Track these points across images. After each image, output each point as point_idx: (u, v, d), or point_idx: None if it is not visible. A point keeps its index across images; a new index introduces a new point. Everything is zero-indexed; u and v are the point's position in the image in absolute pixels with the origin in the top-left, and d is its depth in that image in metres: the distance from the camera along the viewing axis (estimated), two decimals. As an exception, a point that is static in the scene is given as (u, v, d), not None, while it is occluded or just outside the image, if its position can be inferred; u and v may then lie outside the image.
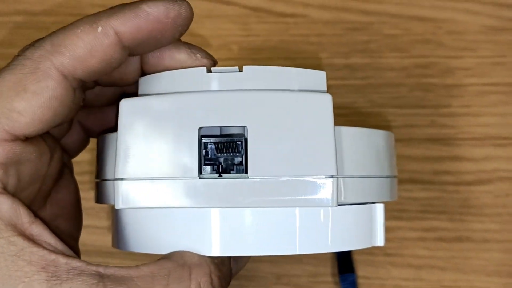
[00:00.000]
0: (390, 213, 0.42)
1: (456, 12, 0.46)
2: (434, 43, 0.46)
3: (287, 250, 0.23)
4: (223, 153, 0.22)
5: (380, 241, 0.26)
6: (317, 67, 0.46)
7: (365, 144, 0.24)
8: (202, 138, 0.22)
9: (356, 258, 0.41)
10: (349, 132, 0.23)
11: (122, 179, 0.22)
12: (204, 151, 0.22)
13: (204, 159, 0.22)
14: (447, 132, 0.44)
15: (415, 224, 0.42)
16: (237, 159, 0.22)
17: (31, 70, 0.19)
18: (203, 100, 0.22)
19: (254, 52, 0.46)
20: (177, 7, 0.22)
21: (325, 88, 0.24)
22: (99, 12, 0.21)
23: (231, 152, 0.22)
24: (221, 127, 0.22)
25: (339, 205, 0.22)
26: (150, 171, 0.22)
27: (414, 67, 0.45)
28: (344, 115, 0.44)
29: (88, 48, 0.20)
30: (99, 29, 0.20)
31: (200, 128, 0.22)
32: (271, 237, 0.22)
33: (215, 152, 0.22)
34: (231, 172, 0.22)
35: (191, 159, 0.22)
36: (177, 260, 0.22)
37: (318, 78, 0.24)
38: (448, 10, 0.46)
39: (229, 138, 0.22)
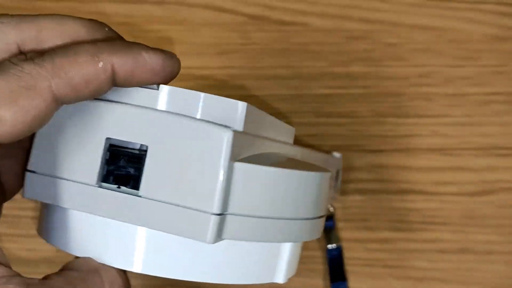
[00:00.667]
0: (391, 224, 0.41)
1: (457, 21, 0.46)
2: (435, 52, 0.45)
3: (172, 274, 0.23)
4: (125, 167, 0.22)
5: (280, 278, 0.25)
6: (318, 76, 0.45)
7: (265, 185, 0.22)
8: (110, 148, 0.22)
9: (355, 269, 0.40)
10: (247, 171, 0.22)
11: (32, 171, 0.23)
12: (106, 160, 0.22)
13: (106, 169, 0.22)
14: (448, 142, 0.43)
15: (416, 235, 0.41)
16: (135, 175, 0.22)
17: (27, 86, 0.19)
18: (114, 111, 0.22)
19: (253, 61, 0.45)
20: (172, 64, 0.23)
21: (238, 121, 0.22)
22: (99, 43, 0.21)
23: (132, 167, 0.22)
24: (129, 141, 0.22)
25: (224, 239, 0.22)
26: (58, 169, 0.23)
27: (415, 76, 0.45)
28: (344, 124, 0.43)
29: (86, 79, 0.20)
30: (100, 64, 0.20)
31: (108, 138, 0.22)
32: (158, 258, 0.22)
33: (119, 164, 0.22)
34: (128, 186, 0.22)
35: (93, 166, 0.22)
36: (82, 269, 0.22)
37: (231, 109, 0.22)
38: (449, 18, 0.46)
39: (131, 153, 0.22)
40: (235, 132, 0.21)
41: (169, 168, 0.21)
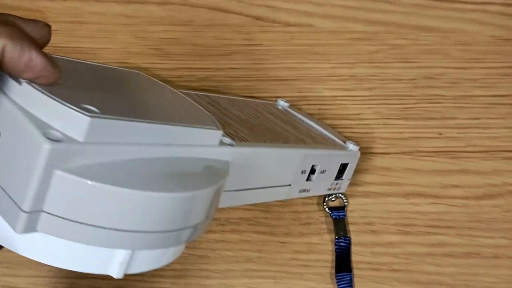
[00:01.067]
0: (397, 228, 0.41)
1: (464, 22, 0.45)
2: (442, 53, 0.45)
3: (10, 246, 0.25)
4: None
5: (114, 273, 0.25)
6: (322, 77, 0.44)
7: (80, 195, 0.23)
8: None
9: (360, 273, 0.39)
10: (65, 180, 0.22)
11: None
12: None
13: None
14: (455, 144, 0.42)
15: (423, 239, 0.40)
16: None
17: None
18: None
19: (257, 62, 0.45)
20: (53, 71, 0.23)
21: (79, 133, 0.22)
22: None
23: None
24: None
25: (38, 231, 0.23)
26: None
27: (421, 78, 0.44)
28: (350, 127, 0.43)
29: None
30: None
31: None
32: None
33: None
34: None
35: None
36: None
37: (74, 120, 0.22)
38: (456, 20, 0.45)
39: None
40: (63, 143, 0.22)
41: (3, 154, 0.22)
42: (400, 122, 0.43)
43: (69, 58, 0.28)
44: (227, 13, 0.46)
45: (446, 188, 0.41)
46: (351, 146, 0.39)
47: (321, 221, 0.41)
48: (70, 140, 0.22)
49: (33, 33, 0.24)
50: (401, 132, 0.43)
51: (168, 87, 0.32)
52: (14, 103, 0.23)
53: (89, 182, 0.22)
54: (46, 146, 0.21)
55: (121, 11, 0.46)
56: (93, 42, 0.45)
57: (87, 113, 0.22)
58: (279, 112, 0.40)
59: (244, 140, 0.31)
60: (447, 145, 0.42)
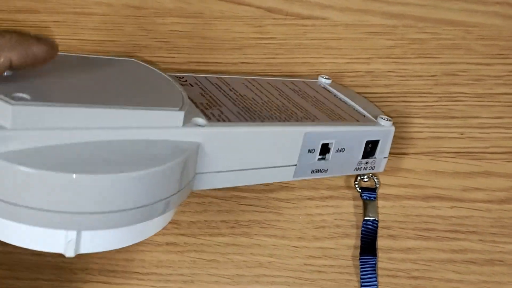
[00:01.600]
0: (416, 232, 0.39)
1: (487, 16, 0.43)
2: (464, 49, 0.42)
3: None
4: None
5: (66, 252, 0.26)
6: (337, 73, 0.42)
7: (8, 178, 0.24)
8: None
9: (378, 280, 0.38)
10: None
11: None
12: None
13: None
14: (477, 145, 0.40)
15: (444, 245, 0.38)
16: None
17: None
18: None
19: (269, 57, 0.43)
20: (53, 52, 0.27)
21: (7, 120, 0.24)
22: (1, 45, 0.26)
23: None
24: None
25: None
26: None
27: (442, 75, 0.42)
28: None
29: None
30: (1, 59, 0.26)
31: None
32: None
33: None
34: None
35: None
36: None
37: (3, 109, 0.24)
38: (479, 13, 0.43)
39: None
40: None
41: None
42: (419, 121, 0.41)
43: (63, 54, 0.30)
44: (238, 5, 0.44)
45: (468, 191, 0.39)
46: (382, 122, 0.37)
47: (336, 224, 0.39)
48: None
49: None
50: (421, 132, 0.41)
51: (158, 71, 0.32)
52: None
53: (16, 166, 0.24)
54: None
55: (128, 2, 0.44)
56: (98, 34, 0.43)
57: (11, 101, 0.24)
58: (311, 89, 0.39)
59: (226, 120, 0.31)
60: (469, 146, 0.40)
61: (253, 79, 0.38)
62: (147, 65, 0.33)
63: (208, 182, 0.31)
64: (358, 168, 0.36)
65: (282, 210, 0.39)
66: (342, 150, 0.35)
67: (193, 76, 0.36)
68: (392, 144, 0.41)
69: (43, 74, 0.27)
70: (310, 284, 0.37)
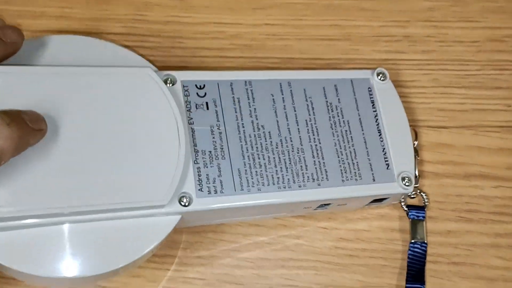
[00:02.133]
0: (457, 214, 0.35)
1: (537, -24, 0.39)
2: (510, 12, 0.39)
3: None
4: None
5: None
6: (371, 38, 0.38)
7: None
8: None
9: (415, 266, 0.34)
10: None
11: None
12: None
13: None
14: (524, 118, 0.37)
15: (487, 228, 0.35)
16: None
17: None
18: None
19: (295, 18, 0.39)
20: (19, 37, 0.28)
21: None
22: None
23: None
24: None
25: None
26: None
27: (486, 41, 0.38)
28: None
29: None
30: None
31: None
32: None
33: None
34: None
35: None
36: None
37: None
38: (528, -27, 0.39)
39: None
40: None
41: None
42: (460, 91, 0.37)
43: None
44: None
45: (514, 169, 0.36)
46: (402, 186, 0.33)
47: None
48: None
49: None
50: (462, 103, 0.37)
51: (169, 103, 0.30)
52: None
53: None
54: None
55: None
56: None
57: None
58: (350, 101, 0.34)
59: (219, 191, 0.30)
60: (516, 119, 0.37)
61: (288, 84, 0.33)
62: (159, 82, 0.30)
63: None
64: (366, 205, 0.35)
65: (310, 188, 0.35)
66: (343, 204, 0.33)
67: (217, 82, 0.32)
68: (430, 117, 0.37)
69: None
70: (341, 270, 0.34)
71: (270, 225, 0.35)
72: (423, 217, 0.34)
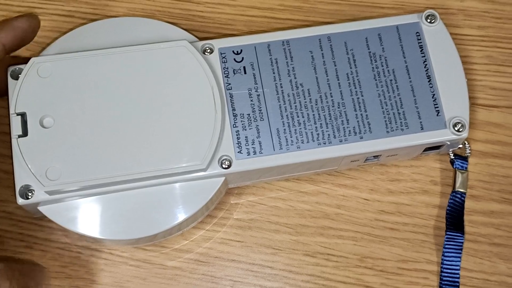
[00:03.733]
0: (502, 195, 0.34)
1: None
2: None
3: None
4: None
5: None
6: (419, 8, 0.37)
7: None
8: None
9: (455, 244, 0.34)
10: None
11: None
12: None
13: None
14: None
15: (532, 212, 0.34)
16: None
17: None
18: None
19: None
20: (36, 22, 0.32)
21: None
22: None
23: None
24: None
25: None
26: None
27: (545, 20, 0.37)
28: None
29: None
30: None
31: None
32: None
33: None
34: None
35: None
36: None
37: None
38: None
39: None
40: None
41: None
42: (514, 70, 0.36)
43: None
44: None
45: None
46: (453, 132, 0.32)
47: (413, 178, 0.35)
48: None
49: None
50: (516, 84, 0.36)
51: (206, 75, 0.31)
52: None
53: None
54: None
55: None
56: None
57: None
58: (396, 49, 0.33)
59: (258, 152, 0.31)
60: None
61: (328, 39, 0.33)
62: (194, 53, 0.31)
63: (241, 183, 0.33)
64: (425, 154, 0.34)
65: (354, 158, 0.35)
66: (394, 155, 0.33)
67: (254, 46, 0.33)
68: (481, 94, 0.36)
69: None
70: (380, 242, 0.34)
71: (312, 192, 0.34)
72: (466, 168, 0.34)
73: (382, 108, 0.32)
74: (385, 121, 0.31)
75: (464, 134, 0.32)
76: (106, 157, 0.30)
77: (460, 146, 0.33)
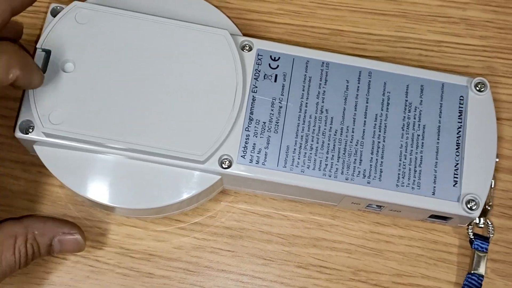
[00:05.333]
0: (500, 210, 0.34)
1: None
2: None
3: None
4: None
5: None
6: (426, 17, 0.36)
7: None
8: None
9: (451, 259, 0.33)
10: None
11: None
12: None
13: None
14: None
15: (531, 228, 0.33)
16: None
17: None
18: None
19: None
20: None
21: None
22: None
23: None
24: None
25: None
26: None
27: (548, 31, 0.36)
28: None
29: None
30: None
31: None
32: None
33: None
34: None
35: None
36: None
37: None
38: None
39: None
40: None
41: None
42: (516, 82, 0.36)
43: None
44: None
45: None
46: (466, 210, 0.30)
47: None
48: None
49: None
50: (515, 95, 0.35)
51: (237, 67, 0.31)
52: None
53: None
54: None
55: None
56: None
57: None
58: (433, 105, 0.31)
59: (261, 163, 0.30)
60: None
61: (369, 74, 0.32)
62: (231, 45, 0.31)
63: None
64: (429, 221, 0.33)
65: (350, 168, 0.34)
66: (397, 211, 0.31)
67: (292, 57, 0.32)
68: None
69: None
70: (375, 255, 0.33)
71: (306, 202, 0.33)
72: (486, 249, 0.32)
73: (400, 160, 0.30)
74: (398, 174, 0.30)
75: (476, 214, 0.30)
76: (113, 118, 0.29)
77: (482, 226, 0.32)
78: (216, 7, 0.34)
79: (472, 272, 0.32)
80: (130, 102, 0.30)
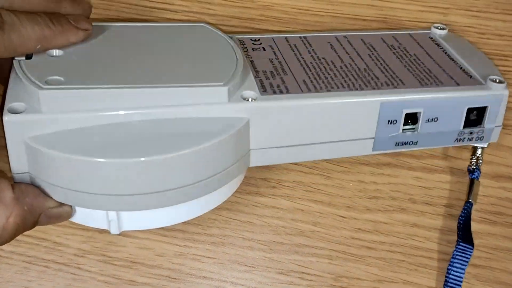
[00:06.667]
0: (482, 215, 0.34)
1: None
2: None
3: None
4: None
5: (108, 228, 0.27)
6: (403, 22, 0.37)
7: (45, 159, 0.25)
8: None
9: (432, 264, 0.33)
10: (33, 148, 0.25)
11: None
12: None
13: None
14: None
15: (511, 233, 0.34)
16: None
17: None
18: None
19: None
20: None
21: (38, 105, 0.25)
22: None
23: None
24: None
25: None
26: None
27: (528, 37, 0.36)
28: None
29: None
30: None
31: None
32: None
33: None
34: None
35: None
36: None
37: (31, 94, 0.26)
38: None
39: None
40: (21, 115, 0.25)
41: None
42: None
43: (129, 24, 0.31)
44: None
45: (545, 174, 0.34)
46: (492, 84, 0.31)
47: (391, 196, 0.34)
48: (30, 111, 0.25)
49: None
50: None
51: (225, 37, 0.31)
52: None
53: (44, 150, 0.24)
54: (5, 118, 0.24)
55: None
56: None
57: (41, 85, 0.25)
58: (415, 44, 0.34)
59: (283, 91, 0.28)
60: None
61: (344, 36, 0.34)
62: (215, 30, 0.31)
63: (267, 157, 0.29)
64: (460, 139, 0.31)
65: (331, 174, 0.34)
66: (434, 119, 0.30)
67: (271, 37, 0.34)
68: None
69: (95, 52, 0.28)
70: (356, 261, 0.33)
71: (287, 208, 0.33)
72: (477, 176, 0.33)
73: (411, 72, 0.31)
74: (417, 79, 0.31)
75: (506, 91, 0.31)
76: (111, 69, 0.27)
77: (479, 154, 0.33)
78: (199, 13, 0.34)
79: (469, 200, 0.33)
80: (132, 62, 0.28)
